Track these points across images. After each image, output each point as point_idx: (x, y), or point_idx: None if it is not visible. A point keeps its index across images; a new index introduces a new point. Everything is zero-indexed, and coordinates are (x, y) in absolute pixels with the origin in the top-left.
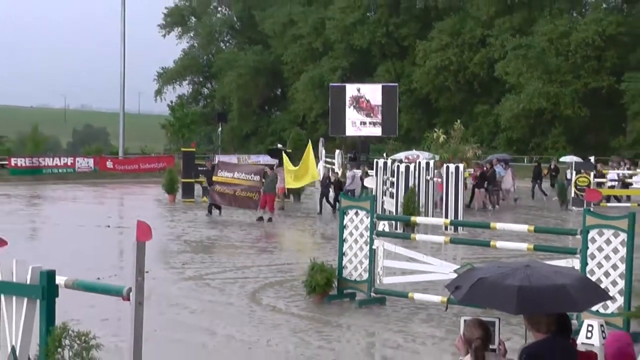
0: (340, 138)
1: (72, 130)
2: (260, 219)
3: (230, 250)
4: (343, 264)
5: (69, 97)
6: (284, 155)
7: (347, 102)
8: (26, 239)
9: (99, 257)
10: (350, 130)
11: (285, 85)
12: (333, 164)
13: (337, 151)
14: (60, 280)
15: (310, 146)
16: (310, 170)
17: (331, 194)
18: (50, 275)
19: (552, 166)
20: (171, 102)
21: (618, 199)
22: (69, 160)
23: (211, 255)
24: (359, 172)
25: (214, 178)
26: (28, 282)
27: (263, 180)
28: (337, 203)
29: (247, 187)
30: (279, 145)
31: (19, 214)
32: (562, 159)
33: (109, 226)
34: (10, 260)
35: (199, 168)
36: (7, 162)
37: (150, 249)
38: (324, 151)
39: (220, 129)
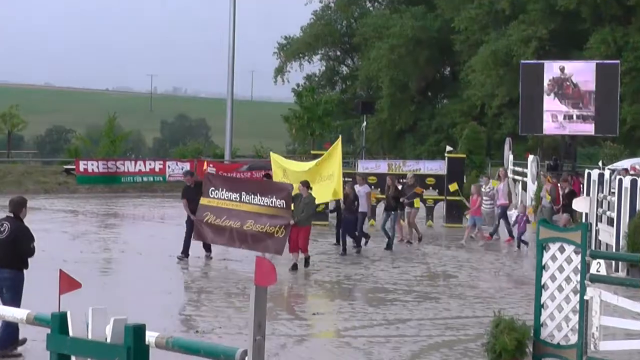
0: (534, 138)
1: (160, 123)
2: (296, 266)
3: (380, 296)
4: (541, 321)
5: (157, 78)
6: (273, 155)
7: (546, 87)
8: (99, 273)
9: (198, 301)
10: (550, 127)
11: (456, 62)
12: (524, 174)
13: (531, 157)
14: (150, 337)
15: (339, 142)
16: (334, 180)
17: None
18: (138, 331)
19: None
20: (297, 85)
21: None
22: (157, 165)
23: (353, 302)
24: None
25: (203, 201)
26: (108, 340)
27: (291, 205)
28: (359, 237)
29: (265, 217)
30: (448, 148)
31: (89, 238)
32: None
33: (211, 257)
34: (84, 307)
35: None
36: (74, 167)
37: (270, 291)
38: (511, 156)
39: (364, 123)
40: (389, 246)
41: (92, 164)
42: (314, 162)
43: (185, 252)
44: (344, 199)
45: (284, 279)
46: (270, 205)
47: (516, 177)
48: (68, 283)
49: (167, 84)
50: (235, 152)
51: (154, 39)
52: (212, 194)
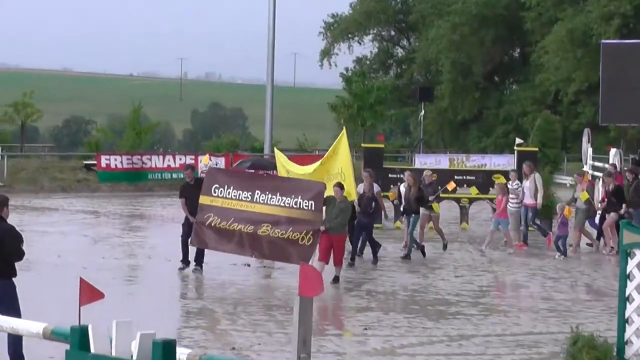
0: (617, 128)
1: (191, 112)
2: (337, 279)
3: (440, 309)
4: (626, 338)
5: (188, 62)
6: (277, 152)
7: (631, 70)
8: (123, 282)
9: (235, 314)
10: (635, 116)
11: (527, 42)
12: (604, 170)
13: (613, 150)
14: (181, 354)
15: (344, 135)
16: (344, 178)
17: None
18: (168, 348)
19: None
20: (346, 69)
21: None
22: (188, 160)
23: (409, 315)
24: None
25: (204, 200)
26: (134, 357)
27: (322, 209)
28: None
29: (286, 220)
30: (518, 140)
31: (111, 242)
32: None
33: (248, 265)
34: (107, 320)
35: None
36: (95, 163)
37: (316, 302)
38: (590, 149)
39: (422, 112)
40: (407, 256)
41: (115, 159)
42: (318, 163)
43: (185, 259)
44: (359, 200)
45: (331, 289)
46: (294, 206)
47: (596, 173)
48: (89, 293)
49: (199, 68)
50: (276, 145)
51: (183, 18)
52: (215, 192)
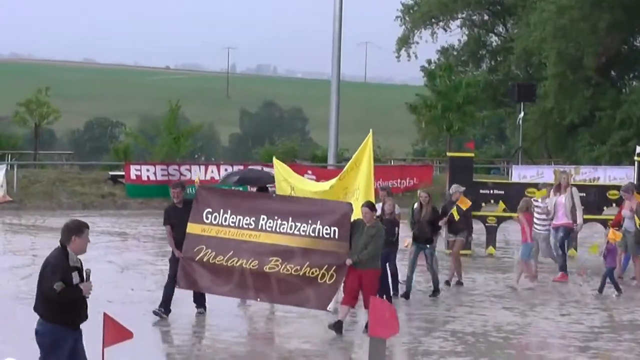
0: None
1: (239, 112)
2: (339, 326)
3: (541, 354)
4: None
5: (236, 53)
6: (276, 162)
7: None
8: (155, 319)
9: (289, 358)
10: None
11: None
12: None
13: None
14: None
15: (369, 139)
16: (360, 199)
17: None
18: None
19: None
20: (428, 62)
21: None
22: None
23: None
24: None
25: (194, 229)
26: None
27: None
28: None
29: (300, 252)
30: (639, 149)
31: (142, 270)
32: None
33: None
34: None
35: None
36: (123, 174)
37: (389, 344)
38: None
39: (522, 114)
40: (405, 295)
41: (148, 170)
42: (336, 178)
43: (166, 305)
44: (382, 217)
45: (406, 327)
46: (312, 234)
47: None
48: (115, 332)
49: (249, 60)
50: (343, 154)
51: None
52: (208, 219)
